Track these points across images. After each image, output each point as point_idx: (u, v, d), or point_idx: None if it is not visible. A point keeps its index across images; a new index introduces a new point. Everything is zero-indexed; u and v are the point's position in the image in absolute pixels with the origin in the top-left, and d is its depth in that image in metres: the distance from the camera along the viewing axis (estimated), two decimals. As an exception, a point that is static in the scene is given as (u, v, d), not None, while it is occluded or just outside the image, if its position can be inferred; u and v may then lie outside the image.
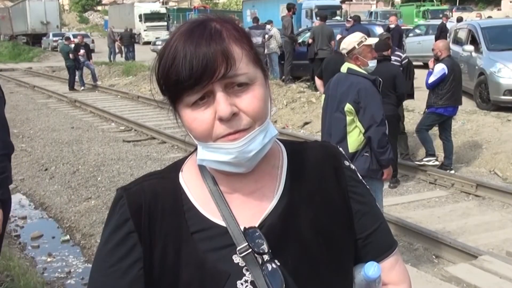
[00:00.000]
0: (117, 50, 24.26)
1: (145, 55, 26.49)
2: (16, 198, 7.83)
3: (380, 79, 4.14)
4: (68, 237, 6.26)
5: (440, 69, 7.04)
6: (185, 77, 0.92)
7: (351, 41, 4.13)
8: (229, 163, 0.96)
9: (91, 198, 7.14)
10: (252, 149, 0.95)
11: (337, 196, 1.08)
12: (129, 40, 24.25)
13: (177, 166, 1.09)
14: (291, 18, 14.44)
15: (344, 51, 4.16)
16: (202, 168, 1.04)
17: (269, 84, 1.03)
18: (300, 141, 1.18)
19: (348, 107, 3.96)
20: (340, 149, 1.14)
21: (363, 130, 3.98)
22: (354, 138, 4.01)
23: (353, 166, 1.13)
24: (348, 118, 3.99)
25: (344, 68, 4.14)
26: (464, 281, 4.33)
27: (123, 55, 24.21)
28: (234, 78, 0.93)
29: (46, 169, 8.64)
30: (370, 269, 1.04)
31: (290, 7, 14.62)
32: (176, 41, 0.95)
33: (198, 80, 0.91)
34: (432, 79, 7.10)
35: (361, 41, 4.11)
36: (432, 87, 7.14)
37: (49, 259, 5.74)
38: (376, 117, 3.94)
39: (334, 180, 1.08)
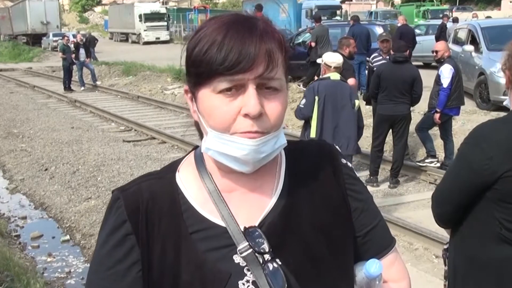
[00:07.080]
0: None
1: (144, 55, 26.50)
2: (16, 198, 7.83)
3: None
4: (68, 237, 6.27)
5: (448, 70, 7.03)
6: (219, 59, 0.90)
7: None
8: (237, 159, 0.95)
9: (91, 198, 7.14)
10: (264, 150, 0.95)
11: (335, 194, 1.07)
12: (93, 42, 25.04)
13: (173, 166, 1.08)
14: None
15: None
16: (199, 168, 1.03)
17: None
18: (296, 140, 1.18)
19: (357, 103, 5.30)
20: (337, 147, 1.14)
21: None
22: None
23: (350, 164, 1.13)
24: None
25: (337, 76, 5.30)
26: (464, 281, 4.33)
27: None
28: (270, 80, 0.93)
29: (46, 169, 8.64)
30: (372, 266, 1.02)
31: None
32: (219, 27, 0.93)
33: (232, 66, 0.90)
34: (446, 81, 6.98)
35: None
36: (451, 89, 7.01)
37: (49, 259, 5.75)
38: None
39: (332, 178, 1.08)
